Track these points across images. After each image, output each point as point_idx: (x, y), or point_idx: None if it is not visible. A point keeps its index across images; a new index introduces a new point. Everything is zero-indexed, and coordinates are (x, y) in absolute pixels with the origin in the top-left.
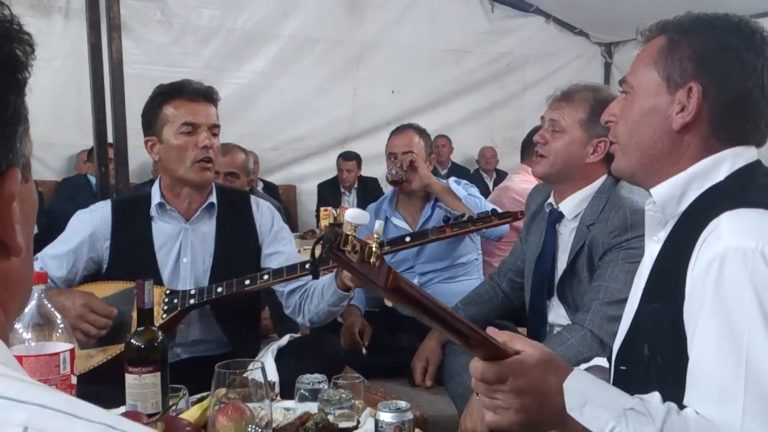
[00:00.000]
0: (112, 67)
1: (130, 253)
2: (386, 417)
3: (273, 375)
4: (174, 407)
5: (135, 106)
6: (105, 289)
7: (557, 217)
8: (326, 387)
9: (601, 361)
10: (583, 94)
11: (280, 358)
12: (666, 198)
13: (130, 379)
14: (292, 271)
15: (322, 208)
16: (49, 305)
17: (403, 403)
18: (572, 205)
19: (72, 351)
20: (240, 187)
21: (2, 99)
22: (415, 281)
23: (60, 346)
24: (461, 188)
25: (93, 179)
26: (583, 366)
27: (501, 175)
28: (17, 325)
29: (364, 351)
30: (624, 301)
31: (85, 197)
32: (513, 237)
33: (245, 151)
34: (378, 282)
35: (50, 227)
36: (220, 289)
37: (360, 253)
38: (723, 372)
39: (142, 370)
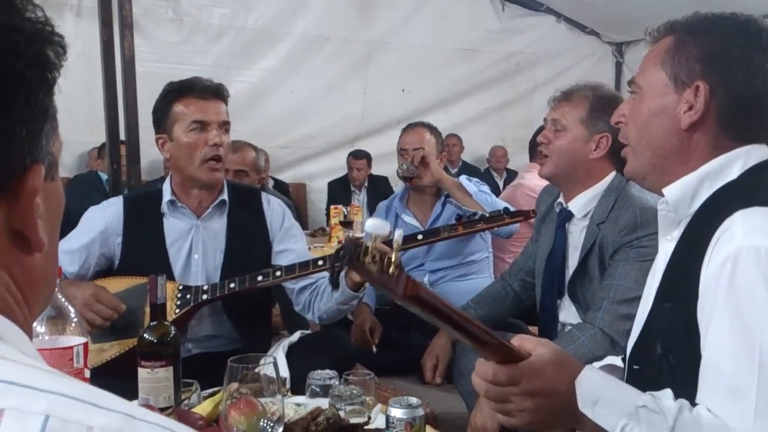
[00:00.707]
0: (125, 65)
1: (142, 249)
2: (397, 413)
3: (284, 371)
4: (186, 401)
5: (146, 104)
6: (118, 285)
7: (567, 216)
8: (337, 383)
9: (613, 360)
10: (582, 92)
11: (291, 354)
12: (678, 197)
13: (142, 373)
14: (304, 268)
15: (332, 207)
16: (63, 299)
17: (414, 400)
18: (581, 204)
19: (85, 345)
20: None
21: (30, 96)
22: (425, 279)
23: (74, 339)
24: (472, 185)
25: (104, 176)
26: (596, 365)
27: (511, 175)
28: None
29: (374, 349)
30: (635, 299)
31: (96, 194)
32: (526, 233)
33: (256, 149)
34: (397, 291)
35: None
36: (232, 285)
37: (379, 264)
38: (736, 369)
39: (154, 365)
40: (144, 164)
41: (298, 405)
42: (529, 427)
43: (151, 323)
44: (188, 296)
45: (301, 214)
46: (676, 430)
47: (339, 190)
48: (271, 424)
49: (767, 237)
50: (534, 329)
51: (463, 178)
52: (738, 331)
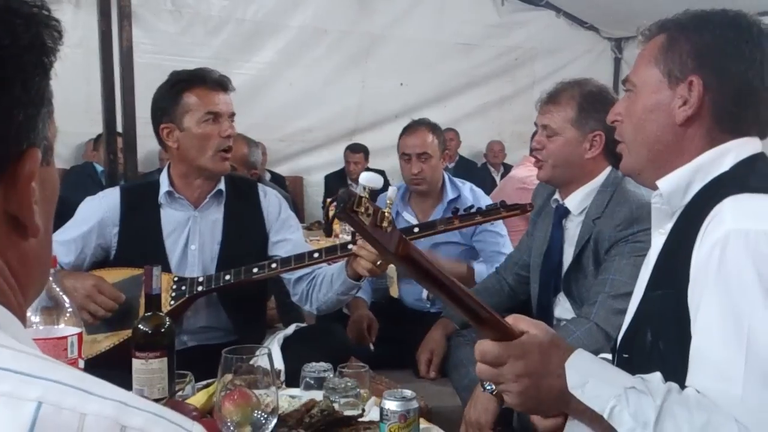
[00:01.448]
0: (122, 56)
1: (139, 239)
2: (391, 405)
3: (278, 363)
4: (180, 392)
5: (144, 95)
6: (113, 275)
7: (563, 212)
8: (332, 375)
9: (607, 356)
10: (568, 92)
11: (286, 346)
12: (672, 189)
13: (137, 363)
14: (300, 260)
15: (328, 200)
16: (58, 289)
17: (408, 392)
18: (577, 200)
19: (80, 335)
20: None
21: (27, 79)
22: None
23: (68, 330)
24: (467, 189)
25: (99, 167)
26: None
27: (508, 170)
28: None
29: (371, 347)
30: (630, 294)
31: (92, 185)
32: (521, 226)
33: (251, 143)
34: (389, 247)
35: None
36: (228, 277)
37: (373, 217)
38: (725, 351)
39: (149, 356)
40: (140, 155)
41: (293, 397)
42: (519, 407)
43: (146, 314)
44: (183, 287)
45: (297, 207)
46: (664, 409)
47: (336, 184)
48: (265, 416)
49: (756, 221)
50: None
51: (463, 185)
52: (727, 313)
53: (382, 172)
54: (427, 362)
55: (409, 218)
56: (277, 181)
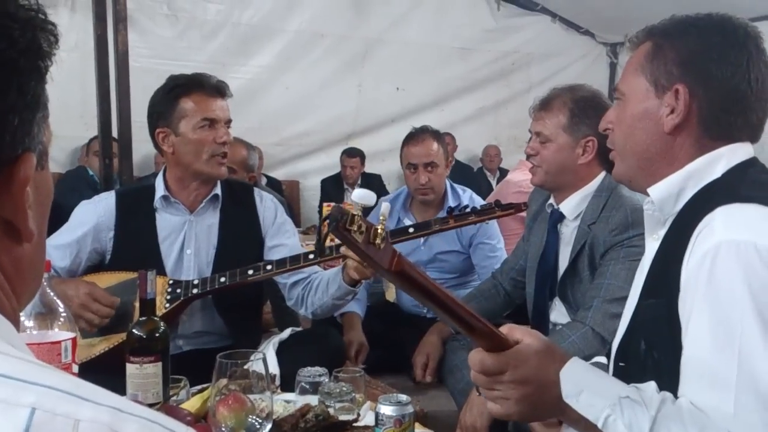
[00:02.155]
0: (118, 60)
1: (134, 244)
2: (387, 410)
3: (274, 368)
4: (174, 397)
5: (140, 100)
6: (108, 280)
7: (558, 217)
8: (327, 380)
9: (601, 359)
10: (560, 98)
11: (281, 351)
12: (663, 196)
13: (131, 368)
14: (295, 262)
15: (324, 204)
16: (52, 294)
17: (403, 397)
18: (572, 205)
19: (74, 340)
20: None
21: (23, 84)
22: None
23: (62, 334)
24: (466, 196)
25: (91, 171)
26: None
27: (504, 174)
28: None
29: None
30: (625, 298)
31: (87, 189)
32: (517, 229)
33: (249, 146)
34: (382, 264)
35: (53, 218)
36: (223, 279)
37: (365, 234)
38: (716, 362)
39: (143, 360)
40: (136, 159)
41: (288, 402)
42: (514, 417)
43: (141, 318)
44: (178, 290)
45: (293, 211)
46: (658, 420)
47: (332, 188)
48: (260, 421)
49: (747, 232)
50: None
51: (464, 191)
52: (718, 325)
53: (378, 177)
54: (423, 366)
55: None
56: (273, 185)
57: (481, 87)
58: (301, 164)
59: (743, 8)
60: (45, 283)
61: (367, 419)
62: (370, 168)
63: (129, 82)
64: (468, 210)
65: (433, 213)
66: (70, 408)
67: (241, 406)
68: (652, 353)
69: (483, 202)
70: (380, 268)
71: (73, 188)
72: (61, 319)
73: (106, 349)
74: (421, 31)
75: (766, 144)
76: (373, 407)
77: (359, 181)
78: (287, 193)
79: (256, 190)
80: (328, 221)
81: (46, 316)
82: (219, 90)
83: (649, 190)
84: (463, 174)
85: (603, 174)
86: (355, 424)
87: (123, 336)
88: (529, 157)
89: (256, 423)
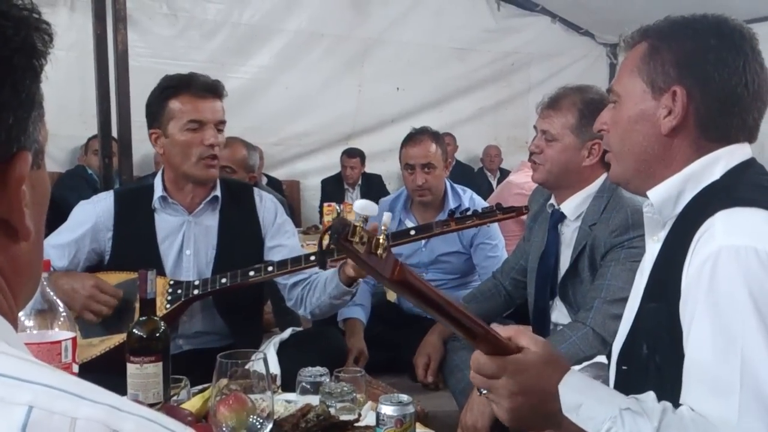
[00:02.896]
0: (117, 59)
1: (133, 244)
2: (388, 410)
3: (274, 368)
4: (175, 397)
5: (139, 99)
6: (108, 279)
7: (559, 217)
8: (328, 380)
9: (602, 359)
10: (570, 98)
11: (282, 351)
12: (663, 199)
13: (131, 368)
14: (296, 263)
15: (325, 204)
16: (52, 293)
17: (404, 397)
18: (573, 205)
19: (74, 339)
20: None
21: (17, 82)
22: None
23: (62, 334)
24: (466, 196)
25: (90, 170)
26: (585, 363)
27: (505, 174)
28: (20, 313)
29: None
30: (626, 299)
31: (86, 189)
32: (518, 231)
33: (250, 146)
34: (384, 273)
35: (52, 217)
36: (224, 280)
37: (367, 245)
38: (718, 368)
39: (143, 360)
40: (136, 159)
41: (289, 402)
42: (509, 423)
43: (141, 318)
44: (179, 291)
45: (294, 211)
46: (661, 430)
47: (332, 188)
48: (261, 421)
49: (747, 237)
50: (526, 329)
51: (463, 192)
52: (719, 331)
53: (378, 177)
54: (424, 367)
55: (411, 225)
56: (274, 185)
57: (481, 87)
58: (301, 164)
59: (738, 10)
60: (45, 282)
61: (368, 419)
62: (370, 168)
63: (128, 81)
64: (469, 213)
65: (434, 213)
66: (67, 406)
67: (241, 406)
68: (654, 357)
69: (483, 203)
70: (382, 277)
71: (73, 187)
72: (61, 319)
73: (106, 349)
74: (420, 31)
75: (766, 144)
76: (374, 407)
77: (359, 182)
78: (287, 193)
79: (256, 190)
80: (329, 233)
81: (46, 315)
82: (211, 90)
83: (648, 193)
84: (463, 174)
85: (604, 175)
86: (356, 424)
87: (123, 336)
88: (532, 154)
89: (257, 423)
